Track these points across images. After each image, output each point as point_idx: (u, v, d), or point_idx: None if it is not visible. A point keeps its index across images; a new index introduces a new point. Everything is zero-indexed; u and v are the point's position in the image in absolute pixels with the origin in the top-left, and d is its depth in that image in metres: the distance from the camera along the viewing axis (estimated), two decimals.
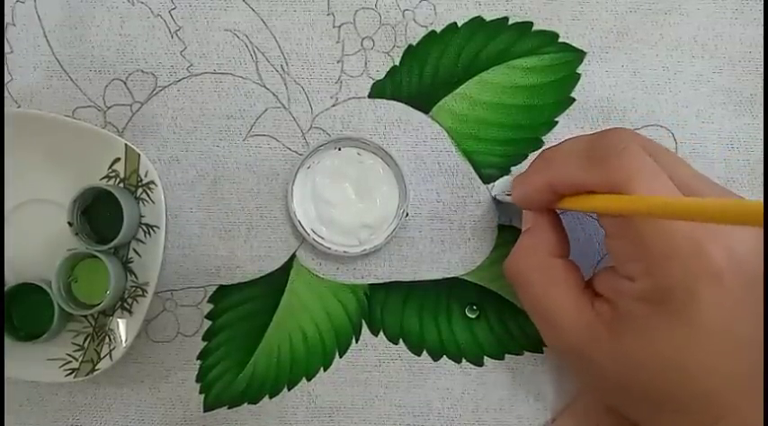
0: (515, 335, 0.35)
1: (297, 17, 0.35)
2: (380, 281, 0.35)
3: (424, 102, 0.35)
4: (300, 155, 0.35)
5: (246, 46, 0.35)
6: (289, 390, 0.35)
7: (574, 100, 0.35)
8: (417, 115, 0.35)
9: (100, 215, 0.34)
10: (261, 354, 0.35)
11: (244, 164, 0.35)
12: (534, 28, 0.35)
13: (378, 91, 0.35)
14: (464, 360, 0.35)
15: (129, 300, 0.34)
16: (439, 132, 0.35)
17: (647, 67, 0.35)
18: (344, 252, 0.34)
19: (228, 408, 0.35)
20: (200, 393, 0.35)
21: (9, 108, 0.35)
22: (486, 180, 0.35)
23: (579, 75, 0.35)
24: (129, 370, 0.35)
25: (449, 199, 0.35)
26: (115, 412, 0.35)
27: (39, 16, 0.35)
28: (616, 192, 0.26)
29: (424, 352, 0.35)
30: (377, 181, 0.34)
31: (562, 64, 0.35)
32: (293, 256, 0.35)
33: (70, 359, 0.33)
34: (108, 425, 0.35)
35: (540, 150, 0.35)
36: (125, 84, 0.35)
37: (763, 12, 0.35)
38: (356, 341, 0.35)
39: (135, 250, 0.34)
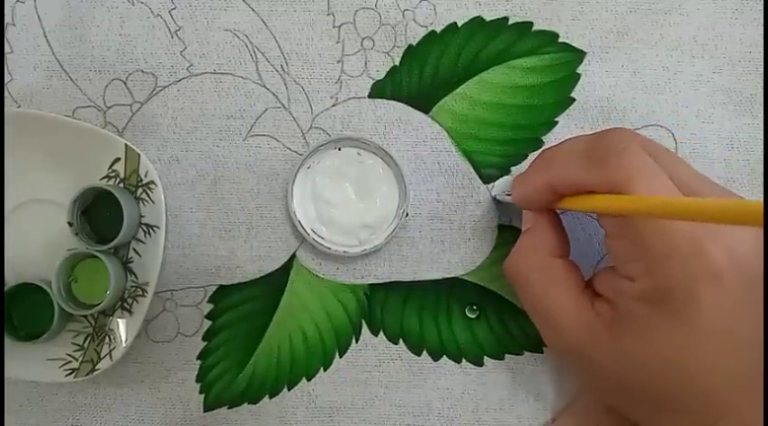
0: (515, 335, 0.35)
1: (297, 17, 0.35)
2: (380, 281, 0.35)
3: (424, 102, 0.35)
4: (300, 155, 0.35)
5: (246, 46, 0.35)
6: (289, 390, 0.35)
7: (574, 100, 0.35)
8: (417, 115, 0.35)
9: (100, 215, 0.34)
10: (261, 354, 0.35)
11: (244, 164, 0.35)
12: (534, 28, 0.35)
13: (378, 91, 0.35)
14: (464, 360, 0.35)
15: (129, 300, 0.34)
16: (439, 132, 0.35)
17: (647, 67, 0.35)
18: (344, 252, 0.34)
19: (228, 408, 0.35)
20: (200, 393, 0.35)
21: (9, 108, 0.35)
22: (486, 180, 0.35)
23: (579, 75, 0.35)
24: (129, 370, 0.35)
25: (449, 199, 0.35)
26: (115, 412, 0.35)
27: (39, 16, 0.35)
28: (616, 192, 0.26)
29: (424, 352, 0.35)
30: (377, 181, 0.34)
31: (562, 64, 0.35)
32: (293, 256, 0.35)
33: (70, 359, 0.33)
34: (108, 425, 0.35)
35: (540, 150, 0.35)
36: (125, 84, 0.35)
37: (763, 12, 0.35)
38: (356, 341, 0.35)
39: (135, 250, 0.34)
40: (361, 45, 0.35)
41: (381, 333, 0.35)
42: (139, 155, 0.34)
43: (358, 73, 0.35)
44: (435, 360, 0.35)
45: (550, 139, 0.35)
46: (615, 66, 0.35)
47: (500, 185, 0.35)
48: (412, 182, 0.35)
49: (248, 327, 0.35)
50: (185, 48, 0.35)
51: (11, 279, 0.33)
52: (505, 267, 0.31)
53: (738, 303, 0.25)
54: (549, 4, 0.35)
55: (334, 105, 0.35)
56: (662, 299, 0.25)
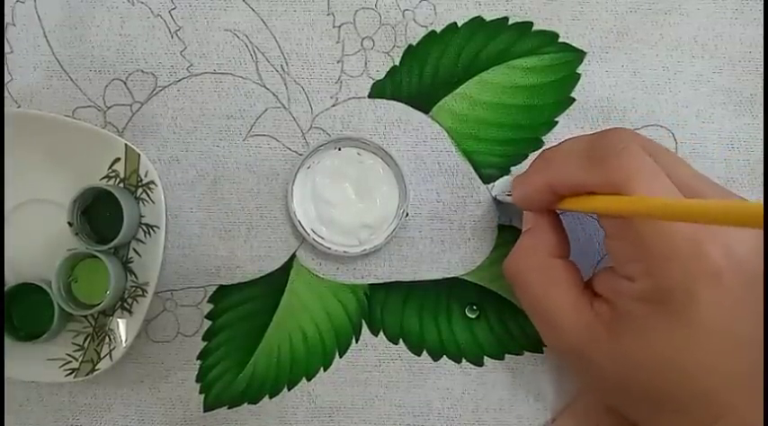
0: (515, 335, 0.35)
1: (297, 17, 0.35)
2: (380, 281, 0.35)
3: (424, 102, 0.35)
4: (300, 155, 0.35)
5: (246, 46, 0.35)
6: (289, 390, 0.35)
7: (574, 100, 0.35)
8: (417, 115, 0.35)
9: (100, 215, 0.34)
10: (261, 354, 0.35)
11: (244, 164, 0.35)
12: (534, 28, 0.35)
13: (378, 91, 0.35)
14: (464, 360, 0.35)
15: (129, 300, 0.34)
16: (439, 132, 0.35)
17: (647, 67, 0.35)
18: (344, 252, 0.34)
19: (228, 408, 0.35)
20: (201, 393, 0.35)
21: (9, 108, 0.35)
22: (486, 180, 0.35)
23: (579, 75, 0.35)
24: (129, 370, 0.35)
25: (449, 199, 0.35)
26: (115, 412, 0.35)
27: (39, 16, 0.35)
28: (615, 192, 0.26)
29: (424, 352, 0.35)
30: (377, 181, 0.34)
31: (562, 64, 0.35)
32: (293, 256, 0.35)
33: (70, 359, 0.33)
34: (108, 425, 0.35)
35: (540, 150, 0.35)
36: (125, 84, 0.35)
37: (763, 12, 0.35)
38: (356, 341, 0.35)
39: (135, 250, 0.34)
40: (361, 45, 0.35)
41: (381, 333, 0.35)
42: (139, 155, 0.34)
43: (358, 73, 0.35)
44: (435, 360, 0.35)
45: (550, 139, 0.35)
46: (615, 66, 0.35)
47: (500, 185, 0.35)
48: (412, 182, 0.35)
49: (248, 327, 0.35)
50: (185, 48, 0.35)
51: (11, 279, 0.33)
52: (505, 267, 0.31)
53: (738, 302, 0.25)
54: (549, 4, 0.35)
55: (334, 105, 0.35)
56: (661, 300, 0.25)
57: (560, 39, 0.35)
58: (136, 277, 0.34)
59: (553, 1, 0.35)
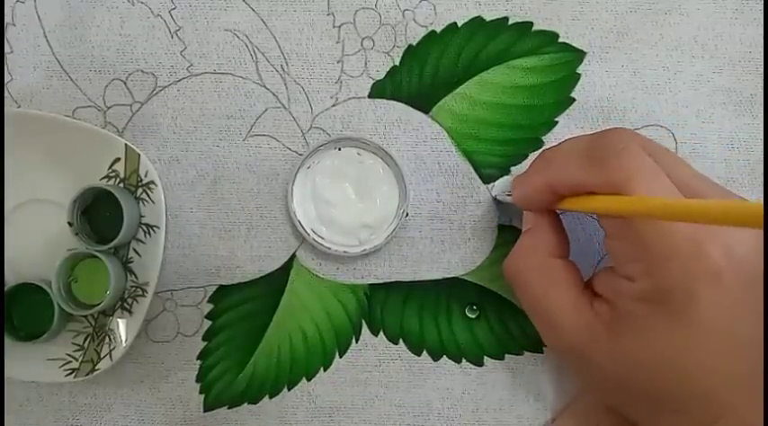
0: (515, 335, 0.35)
1: (297, 17, 0.35)
2: (380, 281, 0.35)
3: (424, 102, 0.35)
4: (300, 155, 0.35)
5: (246, 46, 0.35)
6: (289, 390, 0.35)
7: (574, 100, 0.35)
8: (417, 115, 0.35)
9: (100, 215, 0.34)
10: (261, 354, 0.35)
11: (244, 164, 0.35)
12: (534, 28, 0.35)
13: (378, 91, 0.35)
14: (464, 360, 0.35)
15: (129, 300, 0.34)
16: (439, 132, 0.35)
17: (647, 67, 0.35)
18: (344, 252, 0.34)
19: (228, 408, 0.35)
20: (201, 393, 0.35)
21: (9, 108, 0.35)
22: (486, 180, 0.35)
23: (579, 75, 0.35)
24: (129, 370, 0.35)
25: (449, 199, 0.35)
26: (115, 412, 0.35)
27: (39, 16, 0.35)
28: (616, 192, 0.26)
29: (424, 352, 0.35)
30: (377, 181, 0.34)
31: (562, 64, 0.35)
32: (293, 256, 0.35)
33: (70, 359, 0.33)
34: (108, 425, 0.35)
35: (540, 150, 0.35)
36: (125, 84, 0.35)
37: (763, 12, 0.35)
38: (356, 341, 0.35)
39: (135, 250, 0.34)
40: (361, 45, 0.35)
41: (381, 333, 0.35)
42: (139, 155, 0.34)
43: (358, 73, 0.35)
44: (435, 360, 0.35)
45: (550, 139, 0.35)
46: (615, 66, 0.35)
47: (500, 185, 0.35)
48: (412, 182, 0.35)
49: (248, 327, 0.35)
50: (185, 48, 0.35)
51: (11, 279, 0.33)
52: (505, 267, 0.31)
53: (738, 302, 0.25)
54: (549, 4, 0.35)
55: (334, 105, 0.35)
56: (661, 300, 0.25)
57: (560, 39, 0.35)
58: (136, 277, 0.34)
59: (553, 1, 0.35)
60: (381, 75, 0.35)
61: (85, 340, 0.34)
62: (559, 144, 0.30)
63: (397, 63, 0.35)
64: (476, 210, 0.35)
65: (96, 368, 0.33)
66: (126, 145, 0.34)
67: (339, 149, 0.35)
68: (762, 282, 0.25)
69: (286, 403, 0.35)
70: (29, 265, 0.34)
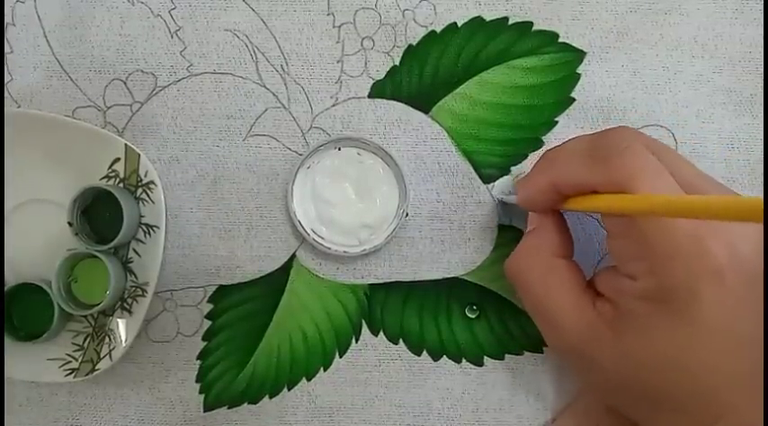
0: (515, 335, 0.35)
1: (297, 17, 0.35)
2: (380, 281, 0.35)
3: (424, 102, 0.35)
4: (300, 155, 0.35)
5: (246, 46, 0.35)
6: (289, 390, 0.35)
7: (574, 100, 0.35)
8: (417, 115, 0.35)
9: (100, 215, 0.34)
10: (261, 354, 0.35)
11: (244, 164, 0.35)
12: (534, 28, 0.35)
13: (378, 91, 0.35)
14: (464, 360, 0.35)
15: (129, 300, 0.34)
16: (439, 132, 0.35)
17: (647, 67, 0.35)
18: (344, 252, 0.34)
19: (228, 408, 0.35)
20: (201, 393, 0.35)
21: (9, 108, 0.35)
22: (486, 180, 0.35)
23: (579, 75, 0.35)
24: (129, 370, 0.35)
25: (449, 199, 0.35)
26: (115, 412, 0.35)
27: (39, 16, 0.35)
28: (619, 191, 0.26)
29: (424, 352, 0.35)
30: (377, 181, 0.34)
31: (562, 64, 0.35)
32: (293, 256, 0.35)
33: (70, 359, 0.33)
34: (108, 425, 0.35)
35: (541, 150, 0.35)
36: (125, 84, 0.35)
37: (763, 12, 0.35)
38: (356, 341, 0.35)
39: (135, 250, 0.34)
40: (361, 45, 0.35)
41: (381, 333, 0.35)
42: (139, 155, 0.34)
43: (358, 73, 0.35)
44: (435, 360, 0.35)
45: (550, 139, 0.35)
46: (615, 66, 0.35)
47: (500, 185, 0.35)
48: (412, 182, 0.35)
49: (248, 327, 0.35)
50: (185, 48, 0.35)
51: (11, 279, 0.33)
52: (507, 267, 0.31)
53: (740, 301, 0.25)
54: (549, 4, 0.35)
55: (334, 105, 0.35)
56: (664, 298, 0.25)
57: (560, 39, 0.35)
58: (136, 277, 0.34)
59: (553, 1, 0.35)
60: (381, 75, 0.35)
61: (85, 340, 0.34)
62: (562, 144, 0.30)
63: (397, 63, 0.35)
64: (476, 210, 0.35)
65: (96, 368, 0.33)
66: (126, 145, 0.34)
67: (339, 149, 0.35)
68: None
69: (286, 403, 0.35)
70: (29, 265, 0.34)
